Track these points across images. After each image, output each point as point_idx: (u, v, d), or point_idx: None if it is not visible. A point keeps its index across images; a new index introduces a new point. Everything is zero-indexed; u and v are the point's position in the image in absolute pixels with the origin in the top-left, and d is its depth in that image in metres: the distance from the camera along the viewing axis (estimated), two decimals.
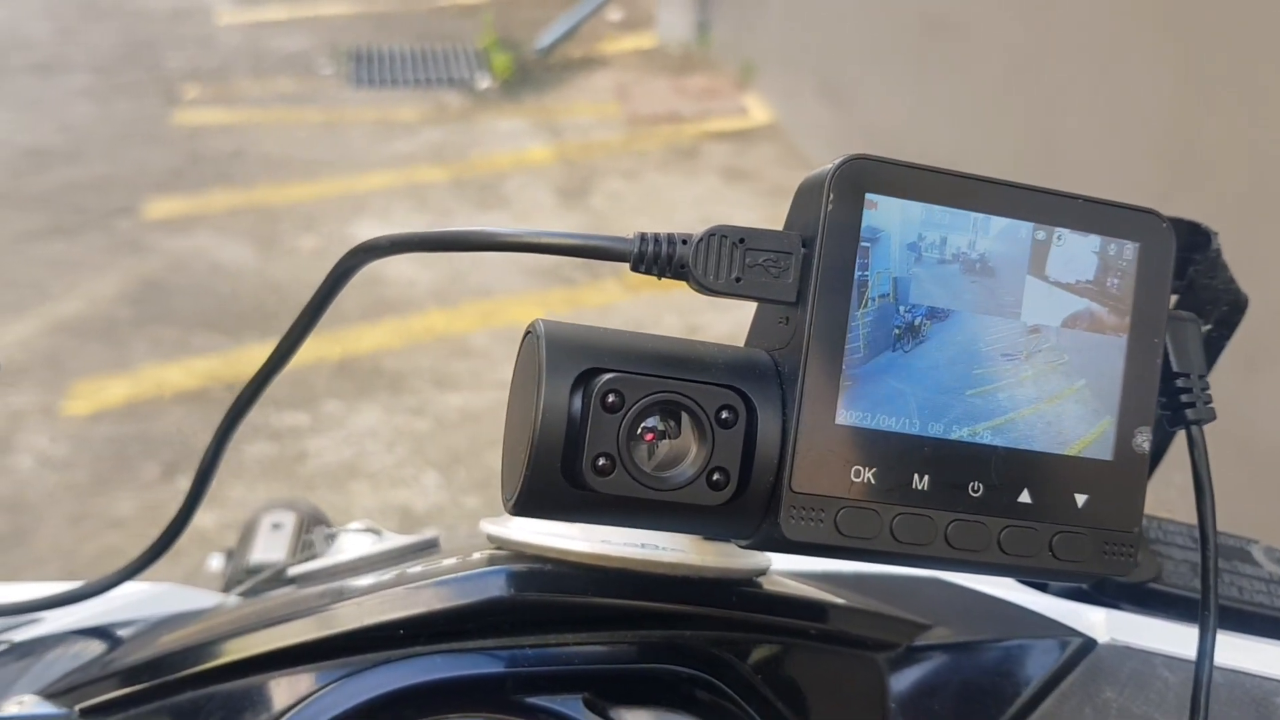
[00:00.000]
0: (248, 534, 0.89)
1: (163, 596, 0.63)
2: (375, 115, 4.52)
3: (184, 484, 2.66)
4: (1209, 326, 0.53)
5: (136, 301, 3.25)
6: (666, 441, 0.40)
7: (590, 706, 0.47)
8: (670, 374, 0.39)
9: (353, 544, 0.60)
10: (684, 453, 0.40)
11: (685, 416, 0.40)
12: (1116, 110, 2.49)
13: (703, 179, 4.11)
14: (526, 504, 0.39)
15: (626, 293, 3.35)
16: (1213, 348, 0.54)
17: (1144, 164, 2.38)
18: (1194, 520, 0.55)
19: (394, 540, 0.61)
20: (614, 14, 5.61)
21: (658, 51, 5.25)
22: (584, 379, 0.39)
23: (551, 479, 0.38)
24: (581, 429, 0.38)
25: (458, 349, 3.11)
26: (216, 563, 0.91)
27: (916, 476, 0.41)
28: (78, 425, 2.75)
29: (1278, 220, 2.05)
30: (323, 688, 0.45)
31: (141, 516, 2.47)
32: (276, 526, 0.87)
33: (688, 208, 3.87)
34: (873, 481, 0.40)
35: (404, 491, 2.61)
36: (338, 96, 4.69)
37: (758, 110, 4.62)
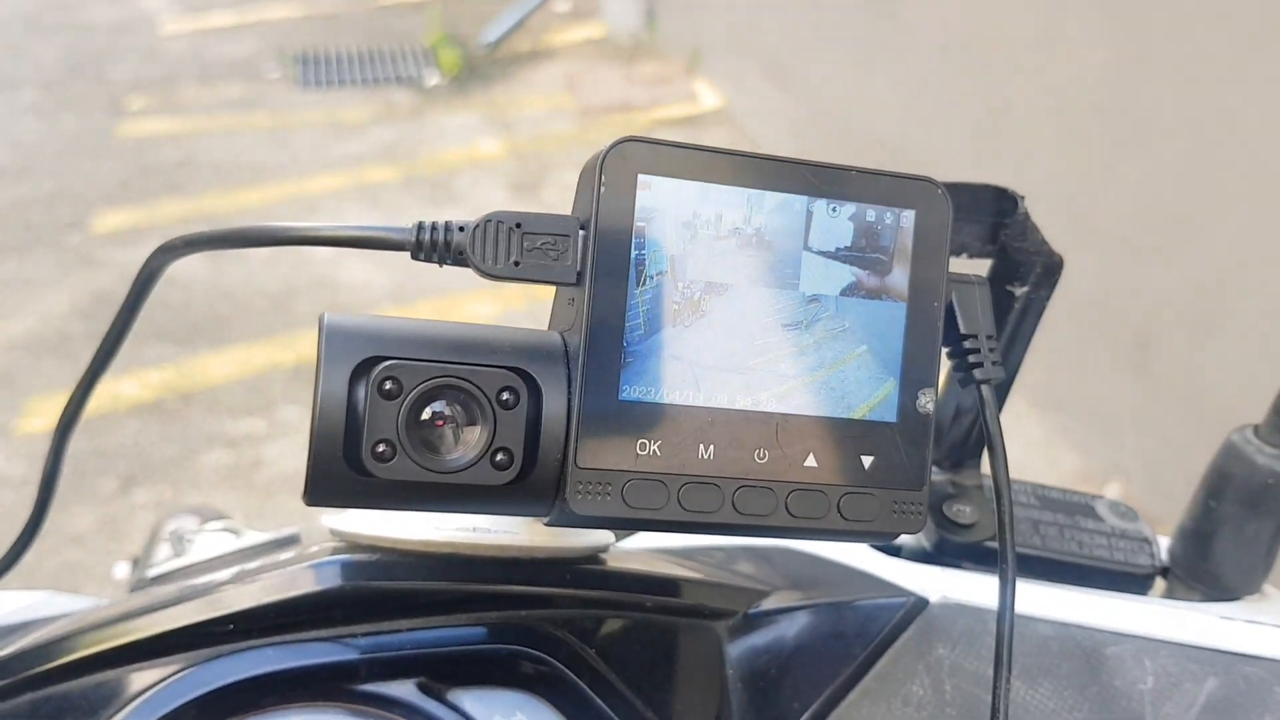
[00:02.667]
0: (151, 540, 0.90)
1: (37, 604, 0.64)
2: (324, 117, 4.50)
3: (142, 496, 2.63)
4: (1026, 288, 0.54)
5: (88, 316, 3.24)
6: (465, 428, 0.41)
7: (425, 690, 0.48)
8: (449, 359, 0.40)
9: (211, 544, 0.61)
10: (473, 435, 0.41)
11: (468, 400, 0.40)
12: (1057, 82, 2.51)
13: None
14: (315, 493, 0.40)
15: None
16: (1033, 308, 0.55)
17: (1087, 133, 2.40)
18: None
19: (251, 538, 0.61)
20: (561, 5, 5.60)
21: (606, 41, 5.25)
22: (364, 368, 0.40)
23: (335, 468, 0.39)
24: (362, 417, 0.39)
25: None
26: (122, 570, 0.91)
27: (701, 447, 0.42)
28: (33, 443, 2.74)
29: (1219, 181, 2.07)
30: (153, 685, 0.46)
31: (101, 530, 2.46)
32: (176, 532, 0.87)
33: None
34: (658, 453, 0.41)
35: None
36: (285, 100, 4.67)
37: (707, 95, 4.62)
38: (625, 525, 0.42)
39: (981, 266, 0.55)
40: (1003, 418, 0.51)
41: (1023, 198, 0.52)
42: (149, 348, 3.08)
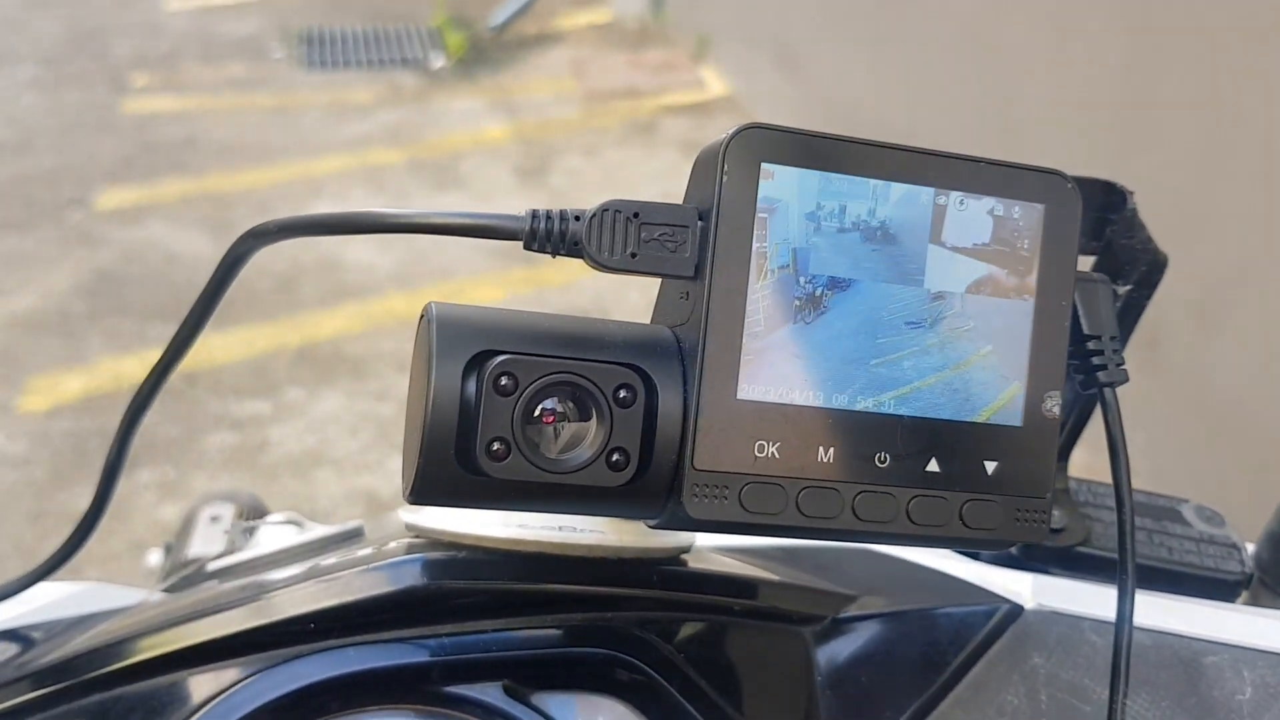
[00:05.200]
0: (186, 527, 0.88)
1: (85, 595, 0.62)
2: (328, 98, 4.46)
3: (145, 477, 2.61)
4: (1129, 287, 0.52)
5: (91, 294, 3.21)
6: (570, 424, 0.39)
7: (510, 693, 0.47)
8: (565, 354, 0.38)
9: (273, 536, 0.59)
10: (586, 434, 0.39)
11: (584, 397, 0.39)
12: (1071, 74, 2.49)
13: (661, 154, 4.09)
14: (423, 492, 0.38)
15: (590, 270, 3.33)
16: (1134, 308, 0.53)
17: (1100, 127, 2.38)
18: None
19: (315, 531, 0.59)
20: None
21: (613, 26, 5.22)
22: (477, 362, 0.38)
23: (446, 466, 0.38)
24: (475, 413, 0.37)
25: None
26: (155, 558, 0.89)
27: (821, 449, 0.40)
28: (35, 421, 2.72)
29: (1230, 179, 2.06)
30: (229, 687, 0.44)
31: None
32: (214, 519, 0.85)
33: (647, 182, 3.85)
34: (776, 456, 0.40)
35: (369, 477, 2.59)
36: (290, 80, 4.63)
37: (714, 83, 4.60)
38: (741, 530, 0.41)
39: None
40: None
41: (1132, 193, 0.50)
42: (152, 327, 3.06)
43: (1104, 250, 0.52)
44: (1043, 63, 2.59)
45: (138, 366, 2.92)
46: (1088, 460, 0.62)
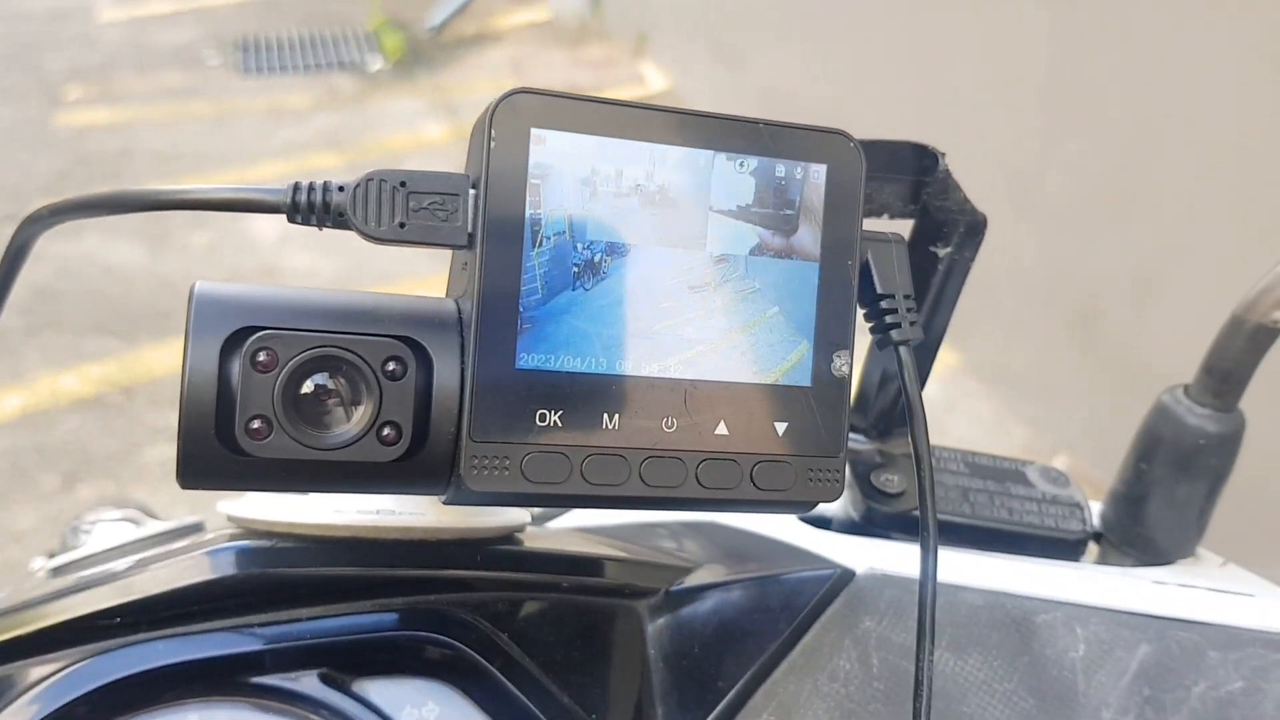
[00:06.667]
0: (70, 534, 0.86)
1: None
2: (265, 104, 4.42)
3: (84, 493, 2.57)
4: (949, 249, 0.53)
5: (27, 310, 3.16)
6: (355, 404, 0.39)
7: (328, 681, 0.46)
8: (329, 328, 0.38)
9: (108, 534, 0.58)
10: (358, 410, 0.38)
11: (351, 372, 0.38)
12: (1000, 58, 2.51)
13: None
14: (188, 474, 0.38)
15: None
16: (958, 269, 0.53)
17: (1031, 109, 2.40)
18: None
19: (152, 527, 0.58)
20: None
21: (551, 24, 5.20)
22: (238, 339, 0.37)
23: (208, 446, 0.37)
24: (234, 391, 0.37)
25: None
26: (38, 564, 0.88)
27: (606, 416, 0.40)
28: None
29: (1157, 158, 2.07)
30: (37, 682, 0.44)
31: (42, 528, 2.41)
32: (90, 524, 0.84)
33: None
34: (559, 425, 0.39)
35: None
36: (226, 87, 4.59)
37: (655, 78, 4.60)
38: (526, 501, 0.40)
39: (903, 227, 0.53)
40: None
41: (943, 154, 0.50)
42: (89, 341, 3.02)
43: (921, 213, 0.52)
44: (971, 44, 2.60)
45: (75, 382, 2.88)
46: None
